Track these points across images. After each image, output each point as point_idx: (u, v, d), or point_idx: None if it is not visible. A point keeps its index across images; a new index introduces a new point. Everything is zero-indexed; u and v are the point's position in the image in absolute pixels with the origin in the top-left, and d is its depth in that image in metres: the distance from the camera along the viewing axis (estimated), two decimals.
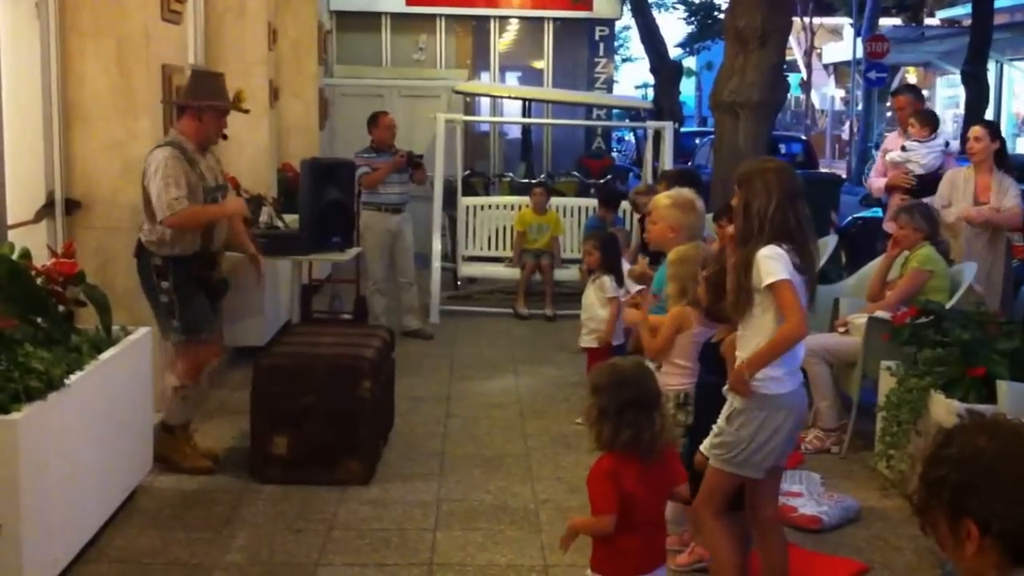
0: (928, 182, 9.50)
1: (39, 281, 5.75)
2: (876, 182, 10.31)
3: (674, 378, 5.71)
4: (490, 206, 13.59)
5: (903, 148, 9.84)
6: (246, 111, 7.61)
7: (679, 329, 5.68)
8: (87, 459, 5.65)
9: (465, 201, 13.22)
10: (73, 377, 5.42)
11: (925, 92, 11.45)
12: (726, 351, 5.11)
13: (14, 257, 5.64)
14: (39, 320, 5.67)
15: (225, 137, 7.30)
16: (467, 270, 13.22)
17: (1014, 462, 2.35)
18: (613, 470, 4.42)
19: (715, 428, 4.89)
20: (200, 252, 7.01)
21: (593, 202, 13.22)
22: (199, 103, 7.03)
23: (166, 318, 6.97)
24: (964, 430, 2.46)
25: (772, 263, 4.64)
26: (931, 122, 10.05)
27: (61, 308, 5.86)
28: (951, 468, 2.40)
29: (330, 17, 19.07)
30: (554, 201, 13.31)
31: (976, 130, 9.11)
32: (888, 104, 40.46)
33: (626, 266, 8.46)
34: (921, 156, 9.71)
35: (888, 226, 9.13)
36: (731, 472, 4.90)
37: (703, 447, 4.96)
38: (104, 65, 7.48)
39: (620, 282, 8.26)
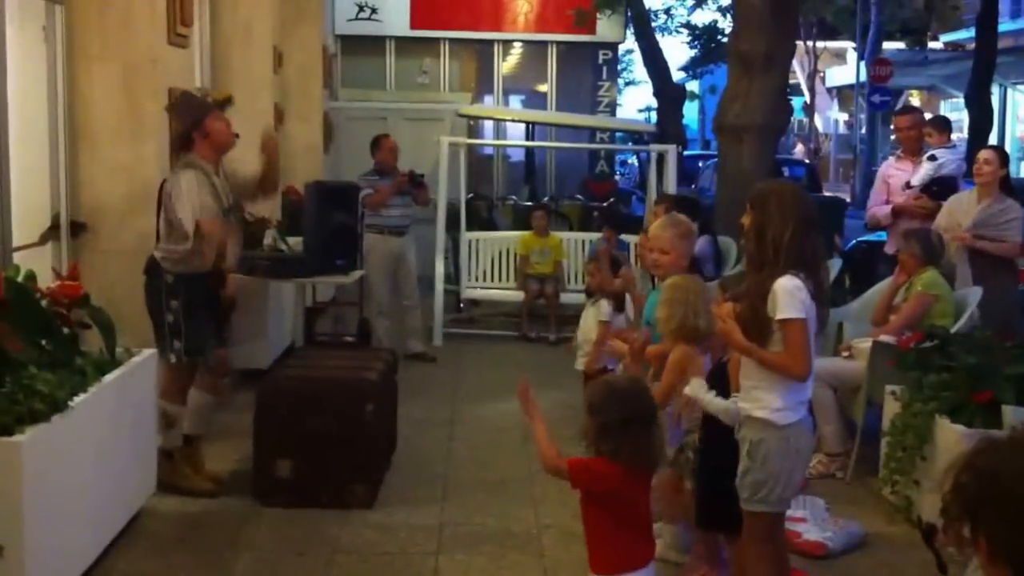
0: (949, 188, 9.39)
1: (44, 303, 5.75)
2: (880, 211, 10.01)
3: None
4: (493, 241, 13.55)
5: (932, 158, 9.64)
6: (229, 99, 7.63)
7: (682, 374, 5.64)
8: (91, 481, 5.65)
9: (468, 235, 13.20)
10: (77, 399, 5.42)
11: (928, 116, 11.37)
12: (732, 371, 5.09)
13: (20, 279, 5.64)
14: (44, 342, 5.67)
15: (236, 136, 7.27)
16: (471, 293, 13.21)
17: None
18: (608, 472, 4.42)
19: (741, 468, 4.83)
20: (212, 271, 7.04)
21: (596, 235, 13.21)
22: (196, 119, 7.03)
23: (169, 337, 6.98)
24: (1007, 442, 2.43)
25: (789, 298, 4.60)
26: (949, 128, 9.99)
27: (66, 330, 5.86)
28: (973, 477, 2.38)
29: (335, 41, 19.14)
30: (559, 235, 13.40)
31: (986, 153, 9.00)
32: (892, 127, 40.63)
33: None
34: (950, 163, 9.63)
35: (890, 248, 9.09)
36: (774, 512, 4.89)
37: (743, 504, 4.90)
38: (111, 89, 7.52)
39: (620, 307, 8.25)
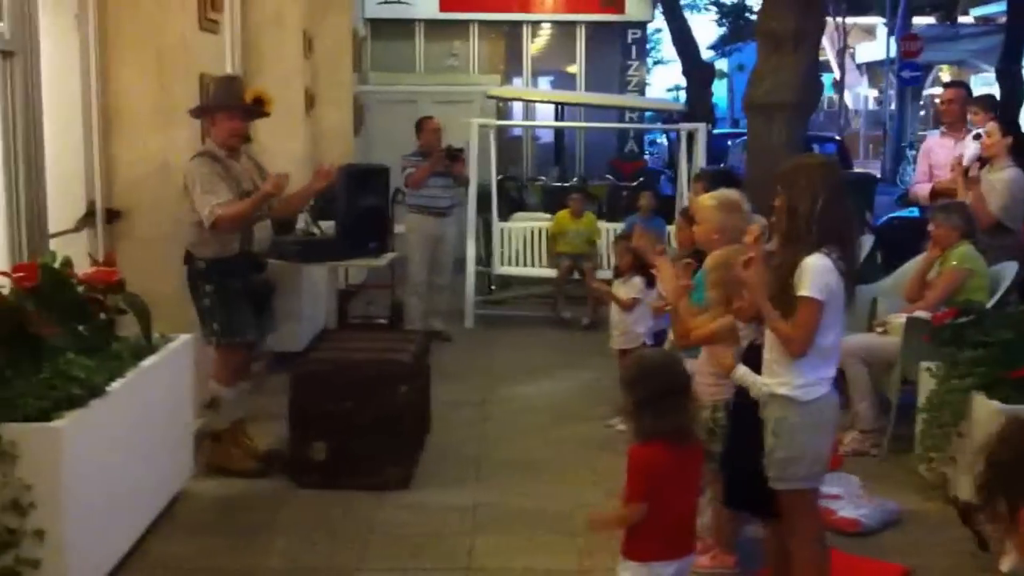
0: None
1: (80, 289, 5.79)
2: (921, 188, 9.87)
3: (711, 387, 5.68)
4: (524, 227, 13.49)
5: (977, 136, 9.51)
6: (266, 114, 7.68)
7: (722, 339, 5.62)
8: (129, 466, 5.69)
9: (500, 225, 13.16)
10: (114, 384, 5.47)
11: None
12: None
13: (56, 265, 5.69)
14: (80, 328, 5.71)
15: (248, 139, 7.37)
16: (502, 271, 13.16)
17: None
18: (653, 460, 4.45)
19: (767, 447, 4.82)
20: (241, 254, 7.09)
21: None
22: (209, 105, 7.24)
23: (207, 321, 7.08)
24: None
25: (816, 277, 4.60)
26: (995, 107, 9.88)
27: (102, 316, 5.90)
28: (1009, 449, 2.39)
29: (365, 25, 19.14)
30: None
31: (989, 126, 8.91)
32: (921, 103, 40.32)
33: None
34: None
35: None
36: (806, 488, 4.89)
37: (771, 483, 4.89)
38: (143, 75, 7.55)
39: (651, 284, 8.24)
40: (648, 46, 27.80)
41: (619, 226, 12.84)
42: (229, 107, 7.15)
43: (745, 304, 5.11)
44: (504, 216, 13.44)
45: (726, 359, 5.21)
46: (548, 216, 13.35)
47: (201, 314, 7.11)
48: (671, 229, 10.87)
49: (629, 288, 8.36)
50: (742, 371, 5.05)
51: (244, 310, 7.17)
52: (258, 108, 7.55)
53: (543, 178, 17.91)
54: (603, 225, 13.20)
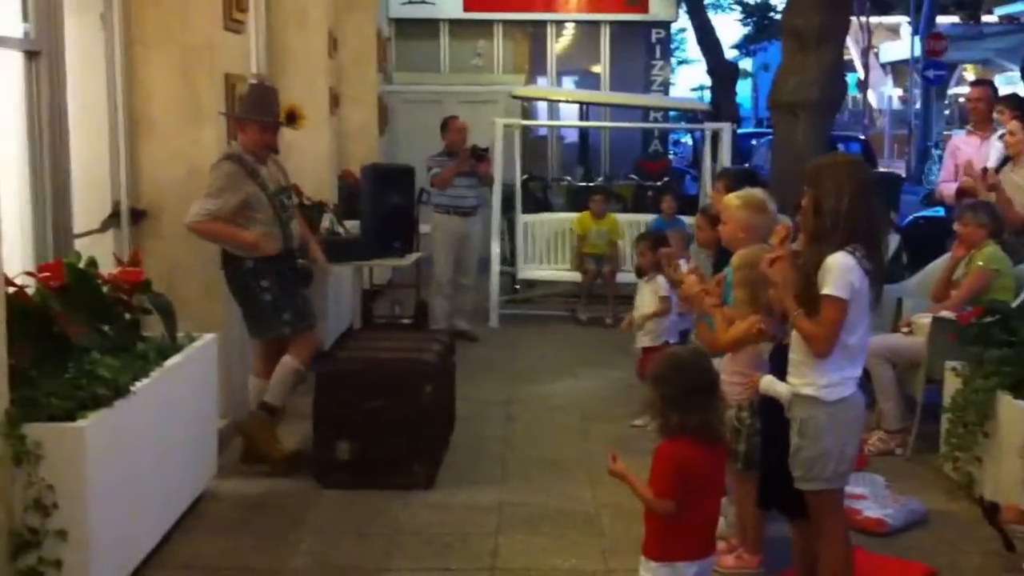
0: None
1: (106, 289, 5.80)
2: (947, 188, 9.77)
3: (736, 387, 5.66)
4: (548, 223, 13.49)
5: (1002, 137, 9.46)
6: (296, 128, 7.72)
7: (750, 340, 5.60)
8: (153, 465, 5.70)
9: (523, 218, 13.16)
10: (139, 384, 5.47)
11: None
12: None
13: (82, 266, 5.70)
14: (106, 328, 5.73)
15: (276, 151, 7.41)
16: (527, 273, 13.18)
17: None
18: (681, 456, 4.44)
19: (792, 447, 4.81)
20: (282, 253, 7.18)
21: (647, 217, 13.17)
22: (244, 116, 7.27)
23: (273, 315, 7.16)
24: None
25: (838, 275, 4.58)
26: (1020, 106, 9.81)
27: (127, 316, 5.92)
28: None
29: (389, 24, 19.15)
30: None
31: (1012, 124, 8.89)
32: (946, 103, 40.15)
33: (684, 265, 8.38)
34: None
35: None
36: (833, 488, 4.88)
37: (797, 483, 4.89)
38: (168, 75, 7.56)
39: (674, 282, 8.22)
40: (672, 46, 27.75)
41: (646, 219, 12.86)
42: (261, 121, 7.19)
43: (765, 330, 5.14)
44: (528, 230, 13.41)
45: (752, 376, 5.22)
46: (574, 216, 13.33)
47: (264, 311, 7.18)
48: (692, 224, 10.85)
49: (654, 287, 8.35)
50: (766, 381, 5.05)
51: (303, 295, 7.34)
52: (291, 125, 7.61)
53: (568, 178, 17.91)
54: (627, 218, 13.21)
